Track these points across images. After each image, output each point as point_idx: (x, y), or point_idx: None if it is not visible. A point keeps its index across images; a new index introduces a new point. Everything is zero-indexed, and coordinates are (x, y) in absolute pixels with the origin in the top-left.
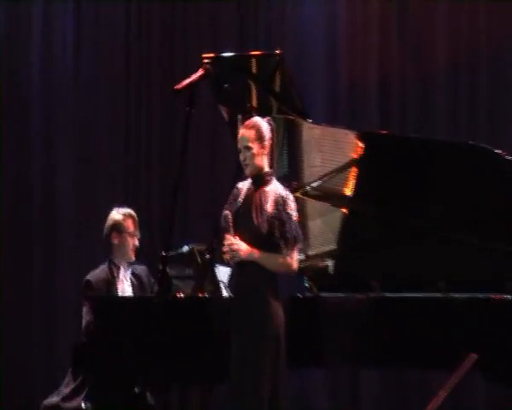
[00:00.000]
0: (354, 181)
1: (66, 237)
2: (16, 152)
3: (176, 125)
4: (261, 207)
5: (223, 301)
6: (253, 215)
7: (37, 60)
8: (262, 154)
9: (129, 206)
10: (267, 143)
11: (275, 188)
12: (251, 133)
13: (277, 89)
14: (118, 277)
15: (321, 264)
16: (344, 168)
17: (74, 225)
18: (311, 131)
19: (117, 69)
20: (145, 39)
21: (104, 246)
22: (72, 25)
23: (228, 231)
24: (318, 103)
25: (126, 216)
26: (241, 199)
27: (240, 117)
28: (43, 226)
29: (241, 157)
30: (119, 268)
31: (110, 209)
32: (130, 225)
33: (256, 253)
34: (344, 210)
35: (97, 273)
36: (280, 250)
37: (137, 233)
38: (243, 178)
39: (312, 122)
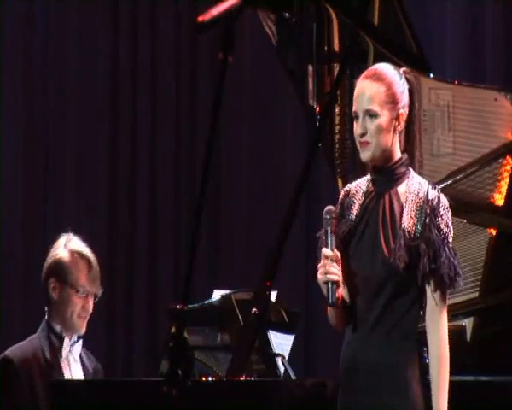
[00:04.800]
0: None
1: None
2: None
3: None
4: (393, 223)
5: (284, 391)
6: (381, 239)
7: None
8: (394, 128)
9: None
10: (403, 110)
11: (415, 187)
12: (379, 89)
13: (375, 21)
14: (60, 354)
15: (452, 325)
16: (493, 160)
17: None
18: (434, 95)
19: None
20: None
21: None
22: None
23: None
24: None
25: (79, 260)
26: (355, 211)
27: (310, 68)
28: None
29: (358, 129)
30: (61, 339)
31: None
32: (81, 275)
33: None
34: (492, 231)
35: (24, 349)
36: (420, 297)
37: (96, 290)
38: (352, 177)
39: (437, 78)
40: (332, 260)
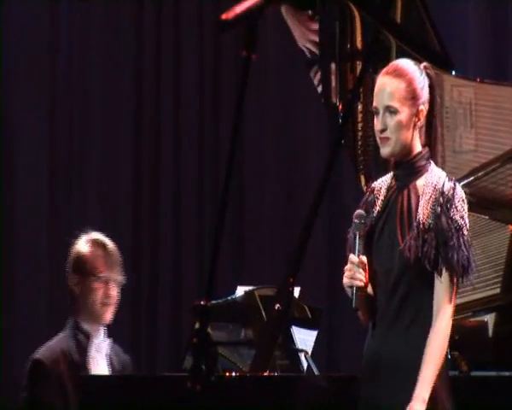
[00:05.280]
0: None
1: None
2: None
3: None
4: (409, 216)
5: (307, 386)
6: (398, 234)
7: None
8: (414, 124)
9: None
10: (423, 106)
11: (433, 179)
12: (400, 85)
13: (398, 19)
14: (88, 352)
15: (474, 321)
16: None
17: None
18: (457, 92)
19: None
20: None
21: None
22: None
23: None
24: None
25: (95, 247)
26: (378, 207)
27: (333, 66)
28: None
29: (378, 125)
30: (88, 337)
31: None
32: (99, 263)
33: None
34: None
35: (53, 349)
36: (431, 288)
37: (116, 276)
38: (375, 174)
39: (459, 76)
40: (358, 266)
